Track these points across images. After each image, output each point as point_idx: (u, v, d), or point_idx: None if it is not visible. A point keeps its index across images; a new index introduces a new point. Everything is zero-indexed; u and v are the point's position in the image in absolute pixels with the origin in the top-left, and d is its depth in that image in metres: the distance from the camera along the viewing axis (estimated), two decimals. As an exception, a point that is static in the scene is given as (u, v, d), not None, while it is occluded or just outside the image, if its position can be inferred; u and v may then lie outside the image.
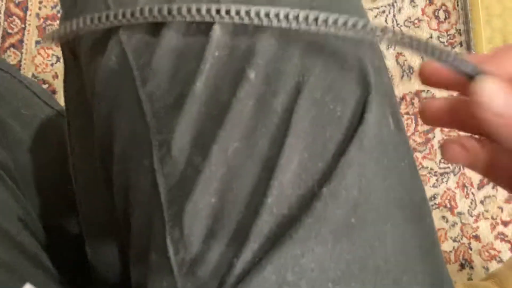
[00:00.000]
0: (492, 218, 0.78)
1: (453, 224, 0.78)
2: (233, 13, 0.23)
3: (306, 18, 0.22)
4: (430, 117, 0.27)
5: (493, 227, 0.78)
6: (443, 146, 0.26)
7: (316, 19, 0.22)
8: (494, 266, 0.77)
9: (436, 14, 0.82)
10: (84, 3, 0.29)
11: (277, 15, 0.22)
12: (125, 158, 0.28)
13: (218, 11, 0.23)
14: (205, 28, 0.25)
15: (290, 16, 0.22)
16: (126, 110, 0.27)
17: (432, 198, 0.78)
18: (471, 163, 0.26)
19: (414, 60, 0.80)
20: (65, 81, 0.35)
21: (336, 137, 0.26)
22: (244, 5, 0.23)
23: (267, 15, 0.23)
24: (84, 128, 0.34)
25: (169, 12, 0.24)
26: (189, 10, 0.23)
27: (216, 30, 0.25)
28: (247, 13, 0.23)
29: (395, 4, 0.81)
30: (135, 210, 0.27)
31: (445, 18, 0.82)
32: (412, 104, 0.79)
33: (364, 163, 0.26)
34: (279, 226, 0.24)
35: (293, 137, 0.25)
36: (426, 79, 0.26)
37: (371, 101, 0.26)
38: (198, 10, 0.23)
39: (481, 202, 0.79)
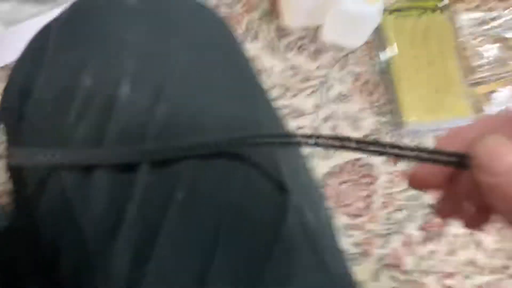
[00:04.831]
0: (438, 272, 0.83)
1: (403, 283, 0.81)
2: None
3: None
4: (420, 182, 0.29)
5: (440, 280, 0.83)
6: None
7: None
8: (446, 319, 0.81)
9: (364, 87, 0.90)
10: (30, 132, 0.32)
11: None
12: (72, 277, 0.30)
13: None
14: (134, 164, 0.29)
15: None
16: (69, 239, 0.30)
17: (381, 260, 0.82)
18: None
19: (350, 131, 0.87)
20: (12, 188, 0.37)
21: (261, 242, 0.29)
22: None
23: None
24: (28, 237, 0.36)
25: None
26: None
27: (143, 166, 0.29)
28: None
29: (324, 83, 0.89)
30: None
31: (373, 90, 0.91)
32: (354, 170, 0.85)
33: (287, 262, 0.29)
34: None
35: (222, 247, 0.28)
36: (417, 183, 0.28)
37: (288, 204, 0.29)
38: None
39: (426, 258, 0.83)
